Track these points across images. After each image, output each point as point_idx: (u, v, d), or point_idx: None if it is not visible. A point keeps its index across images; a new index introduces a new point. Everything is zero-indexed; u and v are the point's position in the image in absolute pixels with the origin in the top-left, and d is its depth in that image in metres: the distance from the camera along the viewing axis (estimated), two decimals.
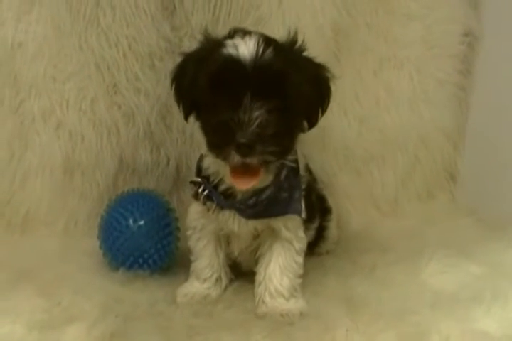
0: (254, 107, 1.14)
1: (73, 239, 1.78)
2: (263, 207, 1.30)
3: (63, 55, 1.77)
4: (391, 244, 1.75)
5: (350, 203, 2.02)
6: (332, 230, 1.74)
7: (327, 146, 1.98)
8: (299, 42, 1.28)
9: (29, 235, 1.80)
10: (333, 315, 1.27)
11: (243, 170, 1.18)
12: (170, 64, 1.73)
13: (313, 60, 1.30)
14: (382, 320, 1.23)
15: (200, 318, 1.28)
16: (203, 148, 1.30)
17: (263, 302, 1.34)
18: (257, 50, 1.15)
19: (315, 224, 1.58)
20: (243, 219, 1.32)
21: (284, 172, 1.31)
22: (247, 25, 1.79)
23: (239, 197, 1.30)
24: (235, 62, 1.15)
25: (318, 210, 1.61)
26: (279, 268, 1.35)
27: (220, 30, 1.72)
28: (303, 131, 1.31)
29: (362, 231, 1.92)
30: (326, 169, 1.98)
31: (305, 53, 1.29)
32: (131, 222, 1.50)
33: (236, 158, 1.14)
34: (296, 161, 1.35)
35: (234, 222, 1.34)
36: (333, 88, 1.30)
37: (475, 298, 1.31)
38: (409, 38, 2.00)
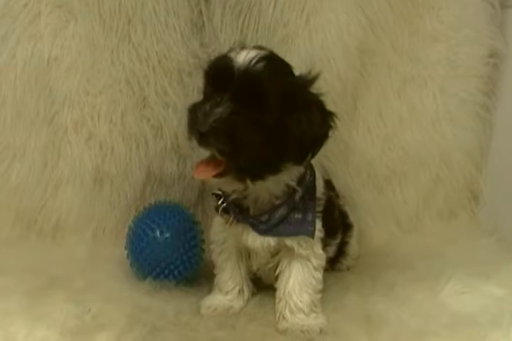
0: (224, 105, 1.18)
1: (101, 246, 1.82)
2: (275, 225, 1.33)
3: (96, 70, 1.82)
4: (411, 261, 1.75)
5: (372, 219, 2.03)
6: (353, 246, 1.76)
7: (350, 163, 2.00)
8: (315, 81, 1.29)
9: (60, 242, 1.85)
10: (352, 333, 1.28)
11: (207, 162, 1.23)
12: (198, 79, 1.77)
13: (322, 104, 1.30)
14: (401, 340, 1.25)
15: (224, 330, 1.31)
16: None
17: (283, 317, 1.36)
18: (253, 60, 1.19)
19: (337, 240, 1.61)
20: (256, 235, 1.35)
21: (299, 193, 1.34)
22: (275, 42, 1.84)
23: (252, 211, 1.34)
24: (228, 63, 1.20)
25: (340, 226, 1.64)
26: (298, 285, 1.37)
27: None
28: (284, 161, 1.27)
29: (383, 247, 1.93)
30: (349, 185, 2.00)
31: (317, 94, 1.29)
32: (158, 233, 1.53)
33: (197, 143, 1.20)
34: (313, 183, 1.38)
35: (248, 237, 1.37)
36: (330, 137, 1.30)
37: (494, 322, 1.30)
38: (434, 58, 2.01)
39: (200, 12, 1.83)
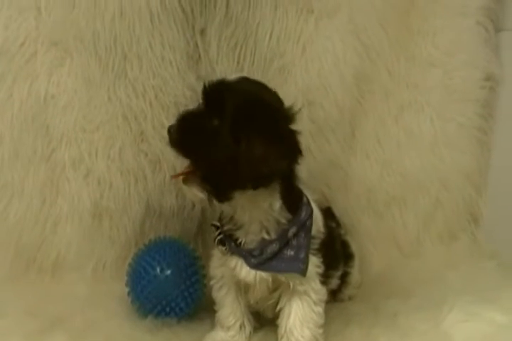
0: (192, 110, 1.29)
1: (101, 283, 1.81)
2: (267, 260, 1.33)
3: (93, 106, 1.83)
4: (413, 288, 1.73)
5: (373, 245, 2.02)
6: (354, 275, 1.75)
7: (349, 189, 2.00)
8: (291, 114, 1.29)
9: (59, 280, 1.83)
10: None
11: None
12: None
13: (294, 140, 1.27)
14: None
15: None
16: None
17: None
18: (238, 78, 1.27)
19: (339, 272, 1.61)
20: (249, 268, 1.35)
21: (292, 230, 1.33)
22: (271, 73, 1.86)
23: (244, 244, 1.34)
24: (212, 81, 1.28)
25: (342, 257, 1.64)
26: (299, 320, 1.36)
27: None
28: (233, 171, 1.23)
29: (384, 274, 1.92)
30: (349, 212, 2.00)
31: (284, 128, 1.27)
32: (158, 271, 1.53)
33: None
34: (309, 219, 1.36)
35: (241, 270, 1.36)
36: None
37: None
38: (430, 83, 2.03)
39: (196, 45, 1.84)
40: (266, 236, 1.33)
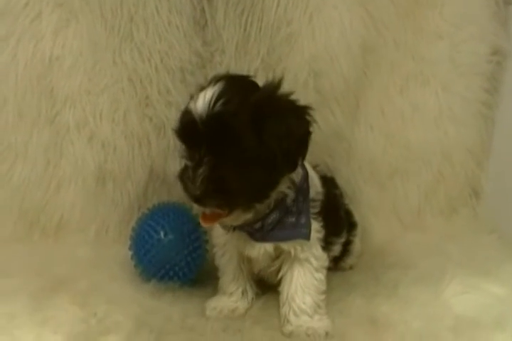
0: (203, 162, 1.18)
1: (104, 246, 1.82)
2: (269, 231, 1.33)
3: (98, 69, 1.81)
4: (413, 260, 1.74)
5: (374, 216, 2.03)
6: (357, 245, 1.77)
7: (353, 160, 2.00)
8: (280, 85, 1.27)
9: (62, 242, 1.84)
10: (357, 336, 1.29)
11: (204, 214, 1.25)
12: (201, 78, 1.80)
13: (294, 102, 1.28)
14: None
15: (230, 334, 1.31)
16: None
17: (288, 321, 1.36)
18: (209, 104, 1.18)
19: (342, 239, 1.62)
20: (253, 242, 1.36)
21: (290, 196, 1.33)
22: (278, 41, 1.83)
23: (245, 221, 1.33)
24: (188, 118, 1.21)
25: (345, 225, 1.65)
26: (301, 287, 1.37)
27: (251, 46, 1.80)
28: (276, 175, 1.27)
29: (385, 245, 1.92)
30: (352, 183, 2.00)
31: (285, 98, 1.27)
32: (162, 235, 1.53)
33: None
34: (306, 183, 1.37)
35: (245, 244, 1.38)
36: (313, 131, 1.29)
37: (497, 323, 1.31)
38: (437, 56, 2.01)
39: (203, 10, 1.82)
40: (267, 211, 1.33)
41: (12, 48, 1.79)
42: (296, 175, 1.33)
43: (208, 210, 1.23)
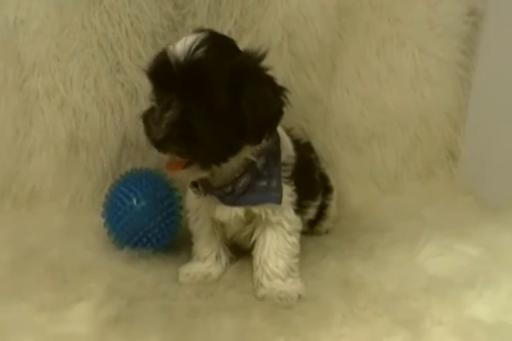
0: (172, 106, 1.15)
1: (78, 214, 1.80)
2: (240, 195, 1.32)
3: (66, 34, 1.77)
4: (390, 223, 1.76)
5: (351, 181, 2.03)
6: (333, 209, 1.77)
7: (329, 125, 1.99)
8: (263, 58, 1.25)
9: (35, 211, 1.82)
10: (330, 298, 1.29)
11: (169, 161, 1.22)
12: (173, 42, 1.72)
13: (272, 79, 1.26)
14: (378, 304, 1.25)
15: (202, 299, 1.31)
16: None
17: (261, 285, 1.36)
18: (189, 49, 1.16)
19: (317, 202, 1.62)
20: (223, 206, 1.35)
21: (261, 160, 1.32)
22: (250, 3, 1.80)
23: (214, 183, 1.33)
24: (165, 58, 1.18)
25: (320, 188, 1.65)
26: (273, 251, 1.37)
27: (224, 8, 1.77)
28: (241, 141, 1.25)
29: (361, 209, 1.93)
30: (328, 147, 2.00)
31: (266, 70, 1.25)
32: (134, 202, 1.51)
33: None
34: (277, 147, 1.36)
35: (215, 208, 1.37)
36: (285, 112, 1.27)
37: (468, 283, 1.32)
38: (413, 17, 1.99)
39: None
40: (235, 175, 1.32)
41: None
42: (265, 141, 1.31)
43: (166, 157, 1.20)
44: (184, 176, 1.28)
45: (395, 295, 1.31)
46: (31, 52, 1.78)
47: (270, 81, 1.25)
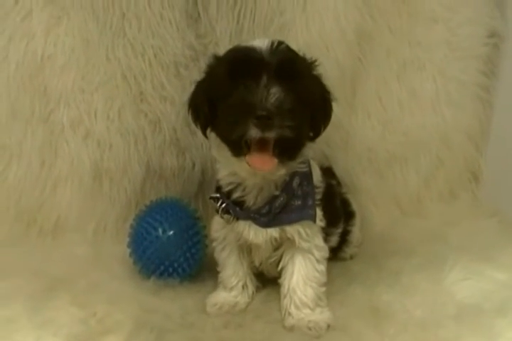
0: (272, 85, 1.18)
1: (103, 243, 1.82)
2: (276, 214, 1.33)
3: (91, 66, 1.80)
4: (414, 247, 1.75)
5: (374, 205, 2.03)
6: (355, 234, 1.76)
7: (350, 149, 2.00)
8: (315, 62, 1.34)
9: (60, 241, 1.84)
10: (359, 327, 1.29)
11: (260, 157, 1.22)
12: (195, 72, 1.80)
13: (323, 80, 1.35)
14: (408, 333, 1.25)
15: (231, 329, 1.31)
16: (218, 162, 1.39)
17: (289, 314, 1.36)
18: (272, 45, 1.23)
19: (339, 229, 1.61)
20: (258, 229, 1.35)
21: (296, 180, 1.34)
22: (272, 31, 1.83)
23: (252, 205, 1.34)
24: (252, 50, 1.23)
25: (342, 215, 1.64)
26: (302, 279, 1.37)
27: (245, 38, 1.79)
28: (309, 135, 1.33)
29: (385, 233, 1.92)
30: (350, 171, 2.00)
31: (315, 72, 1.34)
32: (160, 232, 1.53)
33: (255, 133, 1.17)
34: (308, 169, 1.38)
35: (250, 232, 1.36)
36: (339, 110, 1.42)
37: (499, 309, 1.31)
38: (433, 40, 2.00)
39: (195, 3, 1.80)
40: (274, 192, 1.32)
41: (3, 48, 1.78)
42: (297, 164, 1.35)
43: (273, 134, 1.18)
44: (272, 171, 1.27)
45: (424, 323, 1.30)
46: (57, 86, 1.80)
47: (322, 83, 1.34)
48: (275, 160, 1.22)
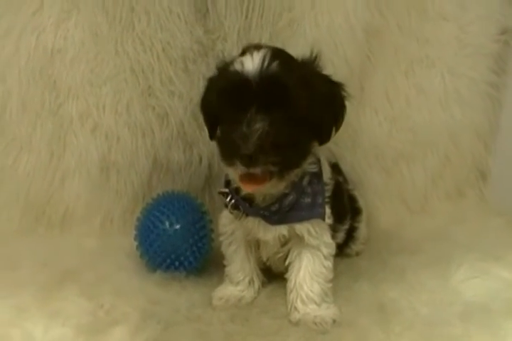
0: (257, 119, 1.18)
1: (109, 236, 1.84)
2: (286, 212, 1.33)
3: (100, 60, 1.81)
4: (421, 245, 1.74)
5: (380, 202, 2.03)
6: (362, 230, 1.76)
7: (357, 146, 1.99)
8: (318, 60, 1.32)
9: (68, 233, 1.86)
10: (365, 324, 1.28)
11: (250, 177, 1.21)
12: (203, 67, 1.81)
13: (330, 78, 1.33)
14: (414, 331, 1.24)
15: (237, 323, 1.31)
16: None
17: (295, 308, 1.36)
18: (262, 64, 1.19)
19: (345, 226, 1.60)
20: (268, 226, 1.35)
21: (306, 178, 1.34)
22: (280, 27, 1.83)
23: (261, 203, 1.34)
24: (239, 77, 1.20)
25: (348, 211, 1.64)
26: (309, 275, 1.37)
27: (253, 33, 1.79)
28: (313, 143, 1.32)
29: (391, 230, 1.92)
30: (356, 168, 2.00)
31: (322, 71, 1.32)
32: (167, 225, 1.53)
33: (240, 169, 1.19)
34: (318, 167, 1.38)
35: (259, 229, 1.37)
36: (348, 107, 1.33)
37: (507, 309, 1.30)
38: (442, 38, 1.99)
39: None
40: (285, 191, 1.32)
41: (14, 41, 1.79)
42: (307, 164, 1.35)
43: (258, 170, 1.18)
44: (266, 190, 1.29)
45: (430, 320, 1.29)
46: (67, 79, 1.82)
47: (329, 79, 1.32)
48: (266, 181, 1.22)
